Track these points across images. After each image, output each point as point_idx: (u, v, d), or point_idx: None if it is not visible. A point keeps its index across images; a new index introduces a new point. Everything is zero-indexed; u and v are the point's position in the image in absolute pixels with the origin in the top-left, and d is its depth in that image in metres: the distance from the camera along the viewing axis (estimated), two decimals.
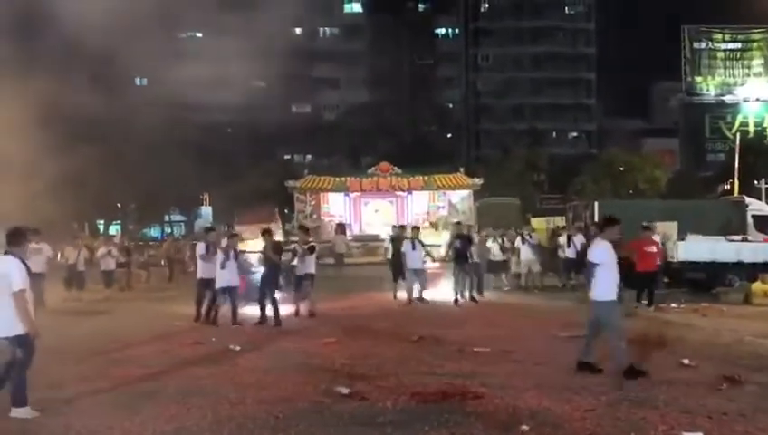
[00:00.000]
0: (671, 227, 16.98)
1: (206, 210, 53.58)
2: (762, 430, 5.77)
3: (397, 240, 16.76)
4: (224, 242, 13.05)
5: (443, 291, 16.42)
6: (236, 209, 48.44)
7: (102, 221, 47.56)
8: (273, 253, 12.80)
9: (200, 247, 13.26)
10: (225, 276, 12.34)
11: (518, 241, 18.33)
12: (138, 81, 63.39)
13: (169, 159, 43.70)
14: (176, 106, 59.03)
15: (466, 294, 15.65)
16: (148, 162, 41.98)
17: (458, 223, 18.79)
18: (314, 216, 32.08)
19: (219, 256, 12.45)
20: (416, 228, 17.39)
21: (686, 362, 8.39)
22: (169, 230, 53.11)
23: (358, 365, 8.48)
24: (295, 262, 13.80)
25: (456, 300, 15.20)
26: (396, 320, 12.75)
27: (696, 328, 11.43)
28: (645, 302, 13.75)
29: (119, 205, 47.54)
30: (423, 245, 15.98)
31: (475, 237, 17.62)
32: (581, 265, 17.19)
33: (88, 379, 8.06)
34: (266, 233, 13.50)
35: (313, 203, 32.66)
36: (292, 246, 14.56)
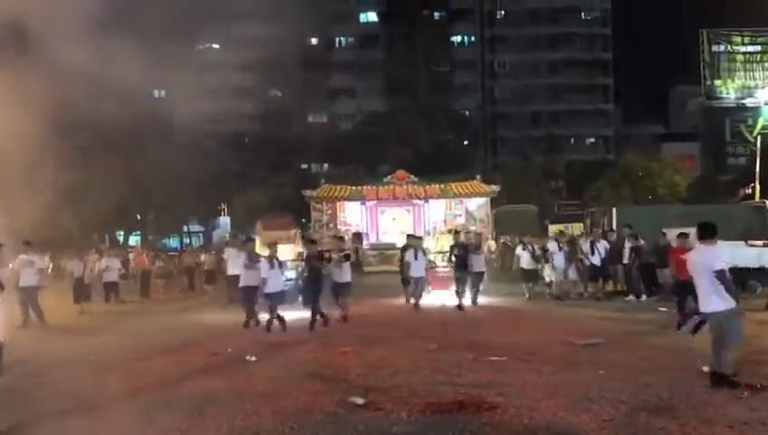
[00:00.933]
0: (691, 232, 16.77)
1: (225, 220, 53.87)
2: None
3: (405, 249, 17.30)
4: (265, 251, 13.76)
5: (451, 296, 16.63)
6: (254, 219, 48.80)
7: (122, 232, 48.03)
8: (317, 261, 13.55)
9: (242, 257, 14.29)
10: (270, 283, 12.97)
11: (553, 246, 17.79)
12: (156, 93, 64.23)
13: (188, 169, 44.11)
14: (194, 117, 59.77)
15: (465, 300, 16.01)
16: (166, 173, 42.38)
17: (456, 232, 19.09)
18: (331, 225, 32.11)
19: (263, 264, 13.17)
20: (418, 238, 18.05)
21: (706, 369, 8.24)
22: (188, 241, 53.47)
23: (372, 375, 8.45)
24: (331, 269, 14.26)
25: (460, 306, 15.57)
26: (411, 328, 12.68)
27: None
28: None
29: (138, 216, 48.03)
30: (425, 254, 16.97)
31: (484, 246, 18.04)
32: (605, 273, 17.22)
33: (104, 390, 8.11)
34: (310, 241, 15.36)
35: (330, 212, 32.68)
36: (326, 254, 14.72)
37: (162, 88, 60.03)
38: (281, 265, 13.45)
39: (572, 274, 17.38)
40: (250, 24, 65.50)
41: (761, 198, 26.87)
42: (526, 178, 48.59)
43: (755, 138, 48.17)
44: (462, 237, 17.69)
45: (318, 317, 13.01)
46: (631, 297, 16.64)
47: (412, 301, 16.14)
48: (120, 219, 43.93)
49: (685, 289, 12.19)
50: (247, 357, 9.85)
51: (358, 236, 28.73)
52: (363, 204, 32.44)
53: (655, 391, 7.31)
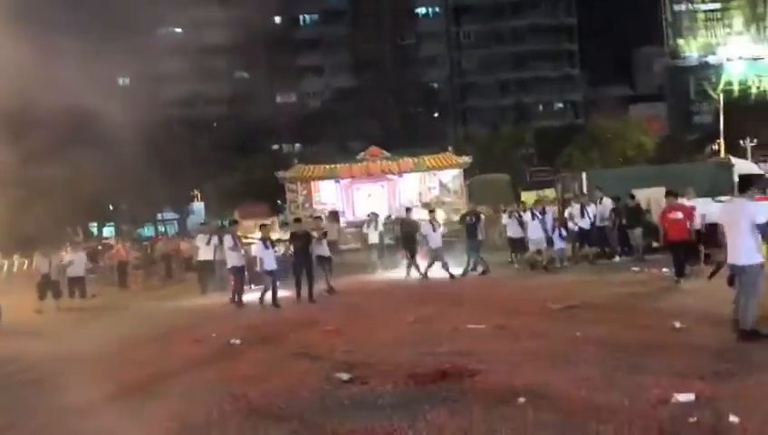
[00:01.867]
0: (659, 192, 17.11)
1: (199, 206, 53.57)
2: (752, 387, 5.92)
3: (407, 223, 18.48)
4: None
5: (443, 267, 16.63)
6: (229, 203, 48.53)
7: (96, 224, 47.51)
8: (304, 239, 14.74)
9: (228, 240, 15.40)
10: (267, 261, 14.19)
11: (527, 216, 17.14)
12: (120, 80, 63.11)
13: (158, 157, 43.58)
14: (159, 103, 58.97)
15: (479, 268, 16.57)
16: (136, 162, 41.83)
17: (431, 210, 18.92)
18: (306, 205, 32.04)
19: (259, 245, 14.52)
20: (432, 211, 18.39)
21: (677, 325, 8.54)
22: (162, 229, 53.06)
23: (357, 351, 8.61)
24: (314, 245, 15.24)
25: (465, 272, 16.41)
26: (391, 303, 12.88)
27: (687, 291, 11.57)
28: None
29: (110, 206, 47.48)
30: (440, 225, 17.33)
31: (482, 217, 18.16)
32: (597, 236, 17.20)
33: (90, 381, 8.16)
34: (296, 220, 17.13)
35: (305, 192, 32.56)
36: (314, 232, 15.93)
37: (125, 75, 59.10)
38: (273, 245, 14.76)
39: (558, 241, 16.77)
40: (211, 6, 64.55)
41: (726, 153, 27.35)
42: (497, 147, 48.85)
43: (719, 94, 48.95)
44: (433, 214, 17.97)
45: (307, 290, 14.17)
46: (617, 258, 16.89)
47: (423, 271, 16.62)
48: (93, 211, 43.37)
49: (676, 248, 12.59)
50: (231, 341, 9.95)
51: (334, 215, 28.73)
52: (338, 182, 32.39)
53: (630, 349, 7.55)
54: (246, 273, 15.46)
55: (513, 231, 17.56)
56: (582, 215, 17.10)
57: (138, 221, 50.13)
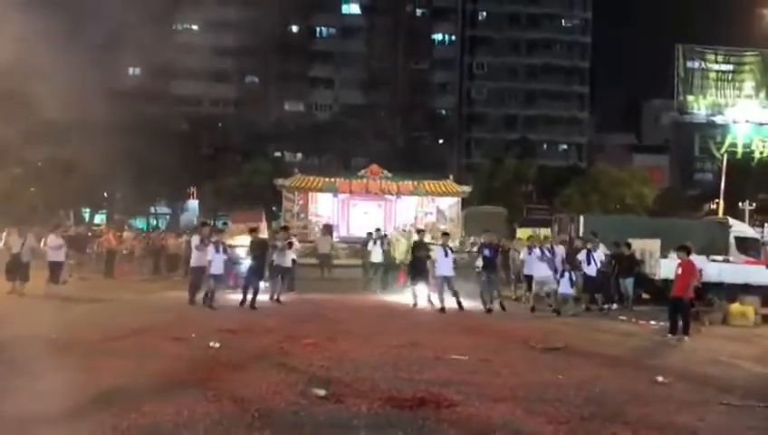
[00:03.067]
0: (654, 244, 17.14)
1: (193, 204, 53.46)
2: None
3: (419, 246, 16.83)
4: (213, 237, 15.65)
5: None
6: (224, 204, 48.43)
7: (88, 209, 47.31)
8: (257, 248, 15.34)
9: (195, 239, 15.71)
10: (216, 266, 14.66)
11: (524, 253, 16.58)
12: (131, 70, 63.26)
13: (159, 150, 43.57)
14: (168, 98, 59.13)
15: (495, 303, 15.30)
16: (137, 152, 41.79)
17: (488, 231, 17.61)
18: (302, 215, 32.04)
19: (210, 248, 14.79)
20: (445, 234, 17.23)
21: (660, 379, 8.48)
22: (155, 222, 52.86)
23: (335, 368, 8.51)
24: (275, 256, 15.97)
25: (489, 309, 15.01)
26: (375, 324, 12.78)
27: (673, 346, 11.55)
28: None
29: (105, 194, 47.31)
30: (453, 251, 16.04)
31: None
32: (604, 285, 16.10)
33: (65, 369, 8.05)
34: (253, 230, 16.68)
35: (301, 202, 32.60)
36: (277, 242, 16.52)
37: (138, 66, 59.33)
38: (225, 250, 15.21)
39: (566, 286, 15.34)
40: (229, 8, 64.92)
41: (724, 214, 27.46)
42: (498, 179, 49.00)
43: (723, 155, 49.22)
44: (425, 237, 17.72)
45: (246, 297, 14.65)
46: (614, 306, 16.23)
47: (436, 303, 15.06)
48: (87, 197, 43.21)
49: (673, 304, 12.43)
50: (210, 343, 9.84)
51: (328, 228, 28.72)
52: (336, 196, 32.45)
53: (610, 397, 7.50)
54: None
55: (530, 268, 16.28)
56: (589, 261, 16.06)
57: (131, 212, 49.93)
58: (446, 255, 15.27)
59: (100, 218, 47.47)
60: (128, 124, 40.72)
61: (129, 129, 40.35)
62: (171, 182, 47.84)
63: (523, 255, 17.02)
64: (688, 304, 12.58)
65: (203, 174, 52.38)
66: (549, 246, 16.27)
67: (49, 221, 25.08)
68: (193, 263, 15.31)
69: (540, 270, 15.62)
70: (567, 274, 15.35)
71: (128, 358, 8.74)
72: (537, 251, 15.87)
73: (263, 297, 15.24)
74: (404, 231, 25.46)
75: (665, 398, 7.66)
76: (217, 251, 14.75)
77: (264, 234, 21.78)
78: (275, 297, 15.60)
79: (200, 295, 14.85)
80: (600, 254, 16.47)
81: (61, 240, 17.49)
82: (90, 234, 25.43)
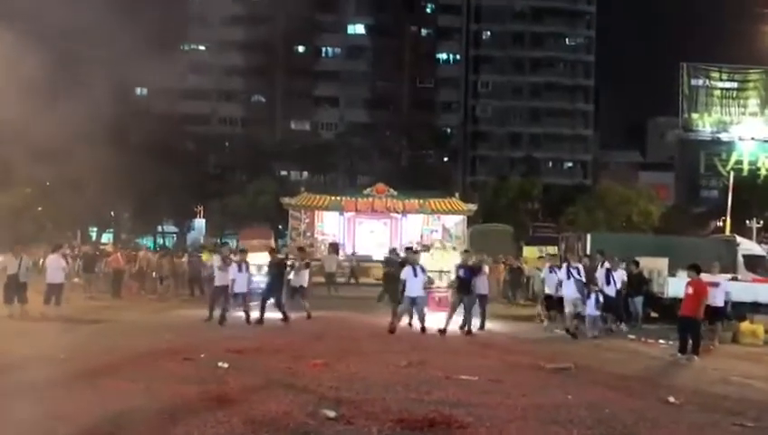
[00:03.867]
0: (662, 263, 17.11)
1: (200, 223, 53.57)
2: None
3: (401, 265, 15.58)
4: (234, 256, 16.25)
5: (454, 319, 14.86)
6: (230, 223, 48.51)
7: (95, 229, 47.47)
8: (275, 268, 15.81)
9: (216, 260, 16.44)
10: (239, 284, 15.07)
11: (561, 274, 15.43)
12: (138, 90, 63.77)
13: (166, 169, 43.79)
14: (175, 117, 59.50)
15: (475, 324, 14.74)
16: (144, 171, 42.00)
17: (466, 251, 16.90)
18: (308, 233, 32.09)
19: (233, 267, 15.17)
20: (415, 252, 16.18)
21: (671, 399, 8.43)
22: (162, 241, 52.97)
23: (344, 388, 8.49)
24: (292, 275, 16.41)
25: (468, 331, 14.37)
26: (384, 344, 12.74)
27: (683, 366, 11.49)
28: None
29: (112, 213, 47.50)
30: (424, 271, 14.84)
31: (486, 268, 16.18)
32: (620, 305, 15.58)
33: (74, 388, 8.06)
34: (273, 251, 17.61)
35: (308, 221, 32.67)
36: (290, 261, 16.97)
37: (146, 86, 59.86)
38: (248, 268, 15.54)
39: (593, 307, 14.64)
40: (237, 28, 65.53)
41: (731, 231, 27.38)
42: (503, 197, 49.01)
43: (728, 172, 49.23)
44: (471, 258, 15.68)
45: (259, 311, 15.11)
46: (623, 326, 15.90)
47: (405, 321, 14.72)
48: (94, 216, 43.37)
49: (682, 323, 12.30)
50: (219, 364, 9.82)
51: (334, 247, 28.74)
52: (342, 214, 32.51)
53: (620, 418, 7.45)
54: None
55: (552, 288, 15.70)
56: (609, 281, 15.40)
57: (138, 231, 50.08)
58: (415, 275, 14.24)
59: (107, 238, 47.58)
60: (135, 143, 41.15)
61: (136, 148, 40.75)
62: (178, 201, 48.01)
63: (543, 274, 16.60)
64: (699, 324, 12.48)
65: (209, 193, 52.58)
66: (576, 266, 15.39)
67: (56, 241, 25.15)
68: (216, 282, 15.82)
69: (571, 291, 14.75)
70: (594, 295, 14.68)
71: (136, 379, 8.72)
72: (563, 271, 15.22)
73: (272, 315, 15.30)
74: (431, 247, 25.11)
75: (676, 419, 7.61)
76: (240, 270, 15.18)
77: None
78: (307, 315, 16.03)
79: (217, 313, 15.19)
80: (622, 274, 16.09)
81: (62, 261, 16.75)
82: (97, 253, 25.38)
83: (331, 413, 7.14)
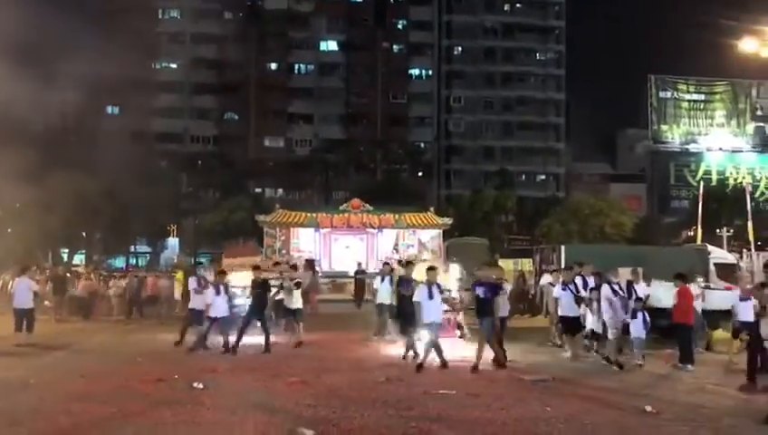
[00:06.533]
0: (635, 273, 17.21)
1: (173, 242, 53.01)
2: None
3: (404, 282, 13.53)
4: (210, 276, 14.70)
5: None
6: (204, 241, 48.14)
7: (67, 250, 46.73)
8: (258, 288, 14.10)
9: (192, 282, 14.63)
10: (219, 308, 13.62)
11: (558, 290, 13.74)
12: (109, 109, 63.26)
13: (138, 188, 43.39)
14: (147, 136, 59.11)
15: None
16: (116, 191, 41.57)
17: (488, 264, 14.41)
18: (284, 251, 31.83)
19: (210, 290, 13.80)
20: (432, 269, 12.52)
21: (648, 408, 8.47)
22: (134, 261, 52.32)
23: (322, 406, 8.40)
24: (281, 296, 15.00)
25: (475, 366, 11.24)
26: (362, 360, 12.64)
27: (659, 375, 11.55)
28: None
29: (84, 234, 46.84)
30: (441, 291, 12.28)
31: (507, 286, 14.25)
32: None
33: (46, 413, 7.87)
34: (256, 268, 15.04)
35: (283, 238, 32.39)
36: (278, 281, 15.46)
37: (117, 105, 59.42)
38: (227, 290, 14.03)
39: (640, 328, 12.48)
40: (209, 45, 65.38)
41: (702, 240, 27.75)
42: (478, 210, 49.21)
43: (698, 182, 50.03)
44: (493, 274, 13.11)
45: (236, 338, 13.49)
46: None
47: (421, 355, 11.72)
48: (66, 237, 42.70)
49: (680, 330, 12.34)
50: (194, 384, 9.66)
51: (310, 264, 28.53)
52: (317, 231, 32.30)
53: (599, 429, 7.47)
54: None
55: (567, 308, 13.23)
56: (630, 294, 13.06)
57: (110, 251, 49.40)
58: (431, 296, 11.61)
59: (78, 259, 46.85)
60: (107, 163, 40.73)
61: (108, 167, 40.34)
62: (151, 220, 47.50)
63: (556, 292, 13.87)
64: (689, 330, 12.50)
65: (183, 211, 52.15)
66: (618, 282, 13.09)
67: (25, 263, 24.64)
68: (192, 305, 14.39)
69: (613, 312, 12.47)
70: (640, 314, 12.47)
71: (109, 402, 8.54)
72: (606, 288, 12.70)
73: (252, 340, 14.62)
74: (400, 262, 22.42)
75: (653, 428, 7.66)
76: (218, 293, 13.65)
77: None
78: (293, 340, 14.41)
79: (190, 337, 13.91)
80: (644, 287, 14.18)
81: (32, 283, 15.46)
82: (68, 275, 24.87)
83: (309, 432, 7.07)
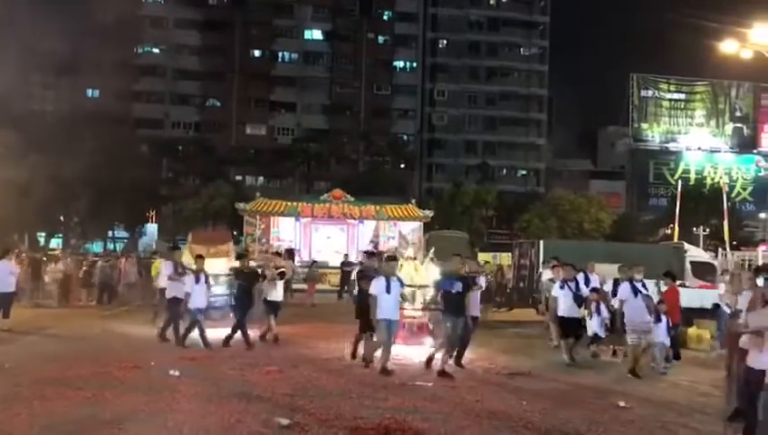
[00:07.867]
0: (612, 269, 17.38)
1: (152, 228, 52.55)
2: None
3: (365, 275, 11.58)
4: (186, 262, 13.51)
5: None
6: (183, 228, 47.76)
7: (43, 234, 46.16)
8: (246, 280, 12.86)
9: (167, 267, 13.46)
10: (198, 298, 12.33)
11: (556, 289, 12.54)
12: (89, 92, 62.47)
13: (118, 173, 42.96)
14: (127, 120, 58.47)
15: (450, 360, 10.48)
16: (94, 175, 41.11)
17: (457, 255, 11.36)
18: (263, 239, 31.73)
19: (188, 278, 12.51)
20: (391, 258, 11.75)
21: (621, 404, 8.58)
22: (113, 246, 51.81)
23: (299, 396, 8.41)
24: (265, 286, 13.37)
25: (443, 371, 10.04)
26: (340, 351, 12.64)
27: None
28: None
29: (61, 218, 46.30)
30: (402, 285, 11.19)
31: (482, 280, 13.14)
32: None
33: (22, 399, 7.81)
34: (241, 257, 14.07)
35: (263, 227, 32.32)
36: (260, 270, 13.87)
37: (97, 88, 58.74)
38: (207, 279, 12.71)
39: (663, 332, 11.33)
40: (192, 31, 64.74)
41: (679, 239, 28.10)
42: (459, 204, 49.38)
43: (676, 181, 50.58)
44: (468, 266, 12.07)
45: (241, 336, 12.42)
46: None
47: (378, 355, 10.55)
48: (42, 220, 42.16)
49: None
50: (171, 372, 9.62)
51: (290, 253, 28.42)
52: (298, 220, 32.26)
53: (573, 424, 7.56)
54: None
55: (566, 308, 12.20)
56: (636, 294, 11.51)
57: (88, 236, 48.87)
58: (389, 290, 10.41)
59: (56, 243, 46.31)
60: (86, 147, 40.23)
61: (87, 151, 39.85)
62: (130, 206, 47.05)
63: (555, 291, 12.67)
64: (676, 328, 12.54)
65: (162, 197, 51.70)
66: (641, 280, 11.75)
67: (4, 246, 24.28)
68: (168, 294, 13.05)
69: (636, 313, 11.28)
70: (664, 317, 11.40)
71: (83, 387, 8.49)
72: (626, 286, 11.58)
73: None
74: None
75: (626, 423, 7.77)
76: (197, 281, 12.37)
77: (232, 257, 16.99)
78: (269, 336, 13.14)
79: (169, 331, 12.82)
80: (652, 286, 12.76)
81: (12, 267, 15.23)
82: (45, 259, 24.51)
83: (285, 421, 7.07)
